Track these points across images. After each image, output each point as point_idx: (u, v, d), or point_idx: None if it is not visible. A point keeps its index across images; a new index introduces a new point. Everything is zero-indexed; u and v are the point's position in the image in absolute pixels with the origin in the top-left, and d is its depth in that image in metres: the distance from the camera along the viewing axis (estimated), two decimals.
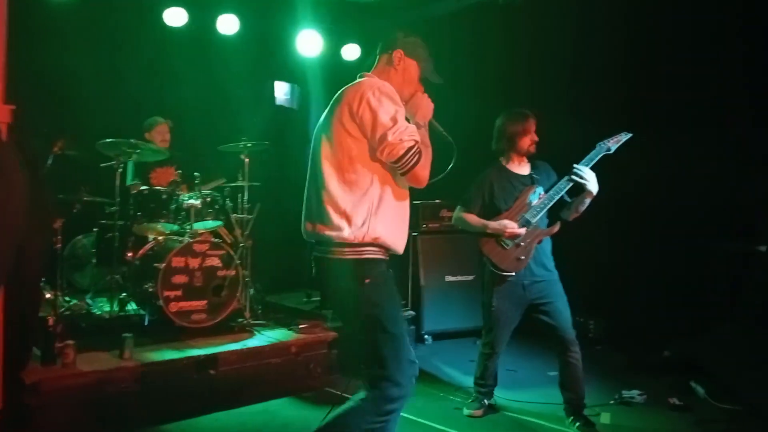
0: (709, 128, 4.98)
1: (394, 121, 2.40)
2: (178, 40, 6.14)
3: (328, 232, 2.44)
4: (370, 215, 2.43)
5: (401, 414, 3.45)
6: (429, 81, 2.73)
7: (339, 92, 2.56)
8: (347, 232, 2.41)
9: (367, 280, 2.43)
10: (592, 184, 3.53)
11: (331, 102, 2.58)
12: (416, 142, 2.42)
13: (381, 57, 2.68)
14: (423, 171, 2.45)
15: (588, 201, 3.62)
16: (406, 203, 2.60)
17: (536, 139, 3.78)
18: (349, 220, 2.41)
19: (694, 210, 5.04)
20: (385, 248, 2.49)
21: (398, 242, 2.54)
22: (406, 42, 2.66)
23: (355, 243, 2.42)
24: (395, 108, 2.43)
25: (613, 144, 3.60)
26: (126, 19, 5.98)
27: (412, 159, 2.40)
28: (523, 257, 3.67)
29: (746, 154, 4.76)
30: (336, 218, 2.43)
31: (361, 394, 2.47)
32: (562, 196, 3.64)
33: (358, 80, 2.60)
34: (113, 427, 3.60)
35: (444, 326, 5.72)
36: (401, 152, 2.38)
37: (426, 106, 2.66)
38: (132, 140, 4.76)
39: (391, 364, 2.42)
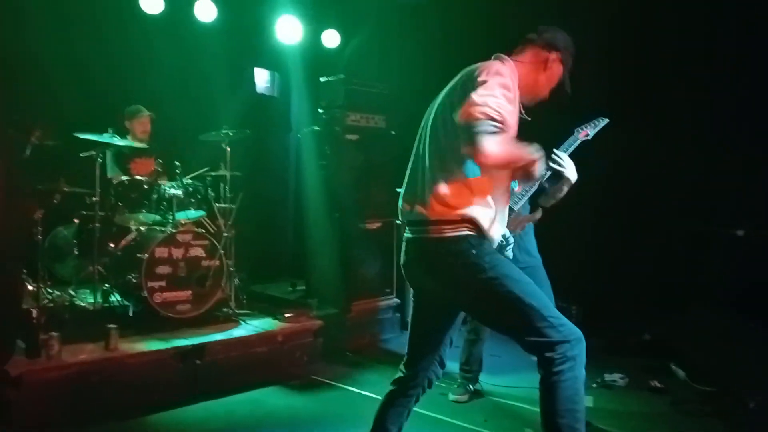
0: (687, 114, 5.05)
1: (491, 89, 2.26)
2: (155, 28, 6.04)
3: (428, 212, 2.36)
4: (472, 196, 2.35)
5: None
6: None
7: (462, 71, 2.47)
8: (446, 211, 2.33)
9: (474, 251, 2.33)
10: (569, 171, 3.52)
11: (452, 81, 2.48)
12: (502, 121, 2.22)
13: (534, 49, 2.57)
14: (493, 145, 2.18)
15: (566, 189, 3.62)
16: (507, 208, 2.52)
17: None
18: (447, 202, 2.33)
19: (673, 195, 5.13)
20: (479, 230, 2.36)
21: (492, 229, 2.41)
22: (566, 47, 2.58)
23: (454, 221, 2.33)
24: (503, 93, 2.28)
25: (591, 129, 3.59)
26: (103, 7, 5.88)
27: (487, 128, 2.20)
28: None
29: (725, 141, 4.84)
30: (434, 200, 2.35)
31: (541, 376, 2.33)
32: (541, 183, 3.66)
33: (500, 61, 2.48)
34: (99, 418, 3.58)
35: None
36: (478, 115, 2.21)
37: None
38: (108, 133, 4.70)
39: (544, 311, 2.30)
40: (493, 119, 2.21)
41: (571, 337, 2.30)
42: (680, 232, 5.06)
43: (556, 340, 2.28)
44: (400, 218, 2.57)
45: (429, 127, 2.49)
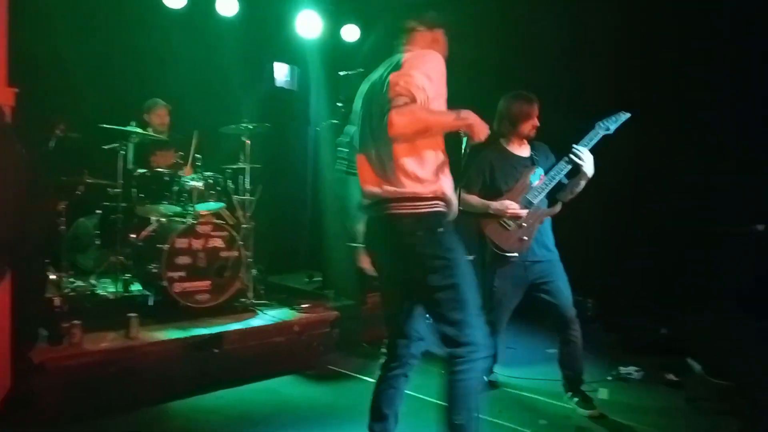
0: (703, 111, 5.00)
1: (407, 69, 2.42)
2: (177, 23, 6.12)
3: (400, 189, 2.49)
4: (437, 172, 2.51)
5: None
6: None
7: (392, 61, 2.61)
8: (419, 188, 2.48)
9: (440, 229, 2.49)
10: (587, 165, 3.54)
11: (384, 70, 2.61)
12: (408, 95, 2.36)
13: (421, 34, 2.72)
14: (398, 116, 2.33)
15: (583, 183, 3.63)
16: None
17: (538, 124, 3.79)
18: (418, 178, 2.48)
19: (692, 191, 5.08)
20: (448, 205, 2.57)
21: (455, 202, 2.63)
22: (446, 20, 2.79)
23: (428, 197, 2.49)
24: (437, 78, 2.46)
25: (612, 124, 3.59)
26: (126, 2, 5.97)
27: (395, 103, 2.36)
28: (525, 238, 3.69)
29: (740, 137, 4.79)
30: (404, 177, 2.48)
31: (446, 371, 2.49)
32: (560, 177, 3.66)
33: (412, 53, 2.62)
34: (119, 404, 3.65)
35: None
36: (391, 94, 2.37)
37: None
38: (130, 127, 4.79)
39: (472, 310, 2.47)
40: (401, 94, 2.36)
41: (480, 343, 2.47)
42: (699, 228, 5.01)
43: (467, 341, 2.45)
44: (362, 201, 2.66)
45: (370, 108, 2.61)
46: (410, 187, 2.48)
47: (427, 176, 2.49)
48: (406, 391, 2.79)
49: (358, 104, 2.75)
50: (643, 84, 5.30)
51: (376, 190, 2.56)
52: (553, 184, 3.66)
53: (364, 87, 2.74)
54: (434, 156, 2.53)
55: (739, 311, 4.47)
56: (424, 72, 2.43)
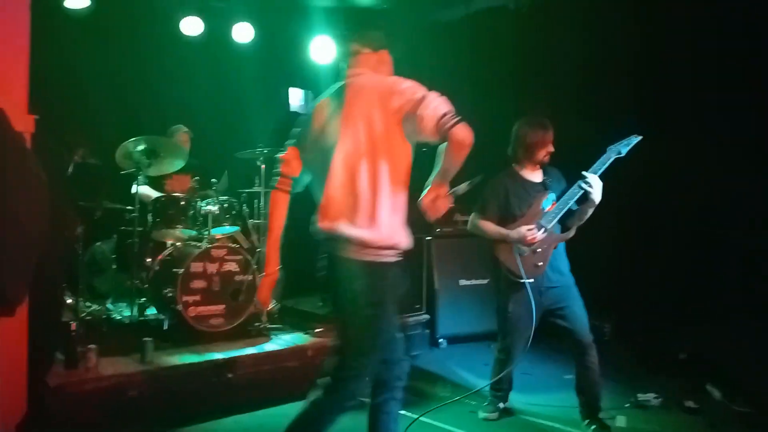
0: (720, 123, 4.97)
1: (423, 90, 2.48)
2: (194, 49, 6.24)
3: (348, 232, 2.45)
4: (389, 216, 2.46)
5: (421, 419, 3.54)
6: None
7: (346, 90, 2.62)
8: (368, 234, 2.43)
9: (380, 282, 2.48)
10: (595, 193, 3.53)
11: (345, 98, 2.61)
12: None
13: (366, 57, 2.73)
14: (467, 130, 2.37)
15: (590, 211, 3.63)
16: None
17: (552, 150, 3.79)
18: (372, 221, 2.43)
19: (707, 203, 5.02)
20: (400, 250, 2.55)
21: (407, 241, 2.58)
22: (385, 40, 2.81)
23: (375, 246, 2.44)
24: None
25: (624, 147, 3.60)
26: (143, 29, 6.09)
27: (455, 117, 2.38)
28: (540, 263, 3.68)
29: (758, 147, 4.75)
30: (357, 217, 2.45)
31: (319, 392, 2.54)
32: (570, 204, 3.65)
33: (365, 76, 2.65)
34: (134, 429, 3.65)
35: (458, 330, 5.74)
36: (444, 110, 2.38)
37: None
38: (155, 137, 4.87)
39: (362, 362, 2.51)
40: (450, 111, 2.38)
41: (349, 392, 2.52)
42: (716, 242, 4.95)
43: (347, 389, 2.50)
44: (314, 232, 2.60)
45: (334, 143, 2.54)
46: (366, 230, 2.43)
47: (385, 221, 2.44)
48: (401, 412, 2.80)
49: (320, 134, 2.63)
50: (658, 96, 5.29)
51: (329, 225, 2.50)
52: (566, 209, 3.65)
53: (331, 121, 2.60)
54: (401, 199, 2.52)
55: (757, 322, 4.40)
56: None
